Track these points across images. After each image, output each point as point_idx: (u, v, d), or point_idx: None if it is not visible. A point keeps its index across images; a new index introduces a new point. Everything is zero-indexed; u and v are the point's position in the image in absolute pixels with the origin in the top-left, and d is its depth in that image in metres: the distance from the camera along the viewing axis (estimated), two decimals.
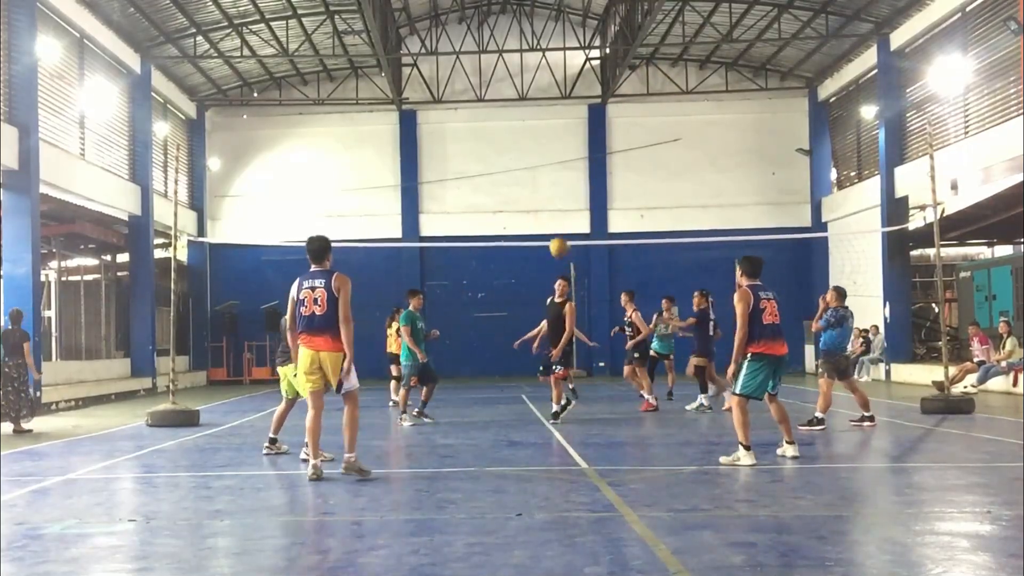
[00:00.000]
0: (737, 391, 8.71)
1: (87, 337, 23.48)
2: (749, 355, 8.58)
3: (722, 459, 8.69)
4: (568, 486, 7.87)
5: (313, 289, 8.16)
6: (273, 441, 10.16)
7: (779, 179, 29.40)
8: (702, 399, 15.02)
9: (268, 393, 21.62)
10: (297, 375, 8.31)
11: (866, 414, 12.10)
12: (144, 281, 24.24)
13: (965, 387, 18.48)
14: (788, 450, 8.92)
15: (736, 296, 8.73)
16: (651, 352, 16.36)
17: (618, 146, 29.52)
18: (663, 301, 16.62)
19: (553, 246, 14.06)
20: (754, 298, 8.61)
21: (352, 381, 8.22)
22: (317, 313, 8.11)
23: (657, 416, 14.30)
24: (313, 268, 8.34)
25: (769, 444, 9.90)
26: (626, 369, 15.83)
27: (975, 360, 19.43)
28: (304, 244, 8.48)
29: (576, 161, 29.53)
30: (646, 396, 15.06)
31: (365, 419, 11.50)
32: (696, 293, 15.69)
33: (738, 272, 8.95)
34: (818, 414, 11.80)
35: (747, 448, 8.54)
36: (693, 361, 15.29)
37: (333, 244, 8.60)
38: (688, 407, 15.08)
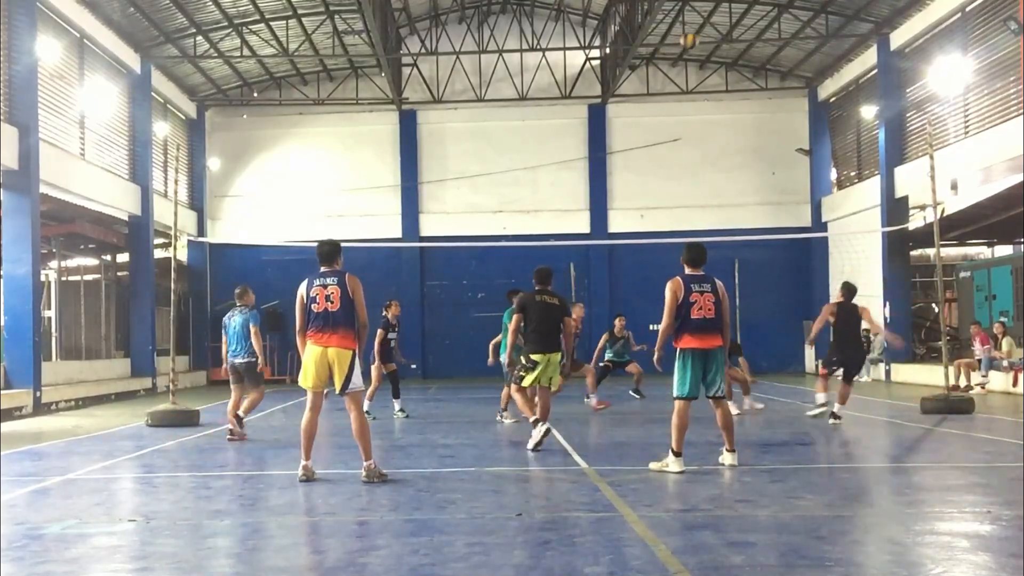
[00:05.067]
0: (675, 394, 8.28)
1: (87, 337, 23.46)
2: (677, 350, 8.18)
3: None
4: (568, 486, 7.86)
5: (325, 287, 8.16)
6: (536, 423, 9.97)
7: (779, 179, 29.39)
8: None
9: (268, 393, 21.57)
10: (302, 370, 8.24)
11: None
12: (144, 281, 24.24)
13: (976, 385, 18.71)
14: (727, 458, 8.48)
15: (668, 284, 8.31)
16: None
17: (618, 146, 29.51)
18: None
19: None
20: (684, 290, 8.18)
21: (357, 381, 8.19)
22: (330, 309, 8.09)
23: (657, 416, 14.26)
24: (323, 269, 8.35)
25: (761, 444, 9.88)
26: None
27: (976, 359, 19.51)
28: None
29: (576, 161, 29.52)
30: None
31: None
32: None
33: (682, 259, 8.47)
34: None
35: (677, 454, 8.17)
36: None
37: None
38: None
